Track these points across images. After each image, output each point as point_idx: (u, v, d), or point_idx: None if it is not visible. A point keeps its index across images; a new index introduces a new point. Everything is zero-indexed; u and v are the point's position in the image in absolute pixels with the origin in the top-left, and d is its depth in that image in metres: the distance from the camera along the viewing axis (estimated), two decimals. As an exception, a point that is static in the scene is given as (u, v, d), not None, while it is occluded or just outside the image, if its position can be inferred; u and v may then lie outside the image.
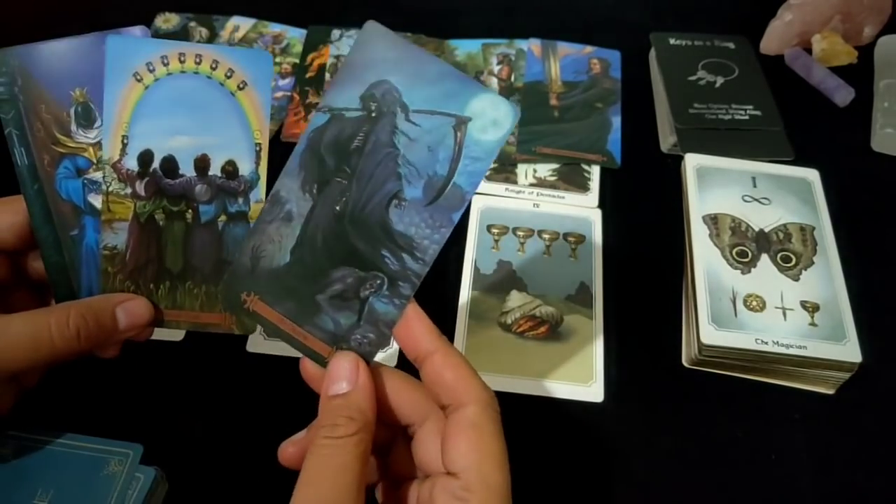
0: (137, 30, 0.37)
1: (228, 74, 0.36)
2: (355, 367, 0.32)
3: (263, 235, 0.34)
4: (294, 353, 0.46)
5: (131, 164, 0.37)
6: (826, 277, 0.49)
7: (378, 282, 0.33)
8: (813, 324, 0.46)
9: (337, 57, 0.64)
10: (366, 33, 0.33)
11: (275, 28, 0.67)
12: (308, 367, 0.34)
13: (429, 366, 0.32)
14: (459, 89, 0.32)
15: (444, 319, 0.49)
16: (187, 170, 0.37)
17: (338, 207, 0.33)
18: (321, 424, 0.31)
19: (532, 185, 0.57)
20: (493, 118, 0.31)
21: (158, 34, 0.66)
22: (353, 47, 0.33)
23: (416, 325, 0.32)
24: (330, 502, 0.28)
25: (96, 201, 0.38)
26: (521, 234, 0.53)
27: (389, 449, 0.35)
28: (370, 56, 0.33)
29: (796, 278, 0.49)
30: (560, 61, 0.65)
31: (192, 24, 0.67)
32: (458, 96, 0.32)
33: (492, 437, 0.30)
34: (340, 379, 0.32)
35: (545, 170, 0.58)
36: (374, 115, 0.33)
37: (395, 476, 0.34)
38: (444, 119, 0.32)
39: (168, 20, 0.67)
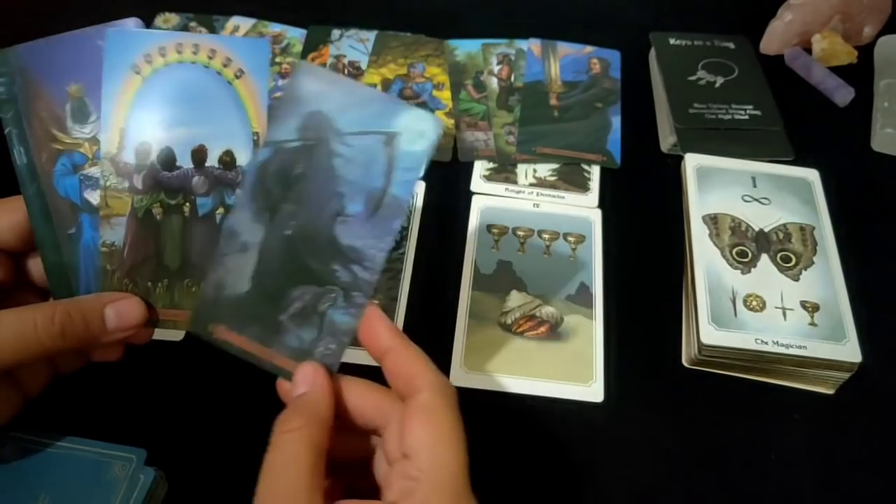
0: (130, 22, 0.37)
1: (226, 63, 0.36)
2: (313, 372, 0.34)
3: (223, 268, 0.36)
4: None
5: (129, 157, 0.37)
6: (826, 277, 0.49)
7: (333, 295, 0.35)
8: (813, 324, 0.46)
9: (337, 57, 0.64)
10: (297, 72, 0.35)
11: (275, 28, 0.67)
12: (283, 386, 0.36)
13: (388, 361, 0.33)
14: (385, 109, 0.35)
15: (444, 319, 0.49)
16: (185, 162, 0.37)
17: (288, 231, 0.35)
18: (277, 423, 0.32)
19: (532, 185, 0.57)
20: (419, 131, 0.34)
21: (158, 34, 0.66)
22: (287, 85, 0.36)
23: (375, 325, 0.34)
24: (285, 493, 0.30)
25: (92, 198, 0.38)
26: (521, 234, 0.53)
27: (369, 461, 0.35)
28: (302, 91, 0.35)
29: (796, 278, 0.49)
30: (560, 61, 0.65)
31: (193, 24, 0.67)
32: (385, 115, 0.34)
33: (444, 419, 0.31)
34: (301, 384, 0.34)
35: (545, 170, 0.58)
36: (311, 143, 0.35)
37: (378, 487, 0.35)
38: (374, 137, 0.34)
39: (168, 20, 0.67)
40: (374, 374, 0.47)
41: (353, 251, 0.35)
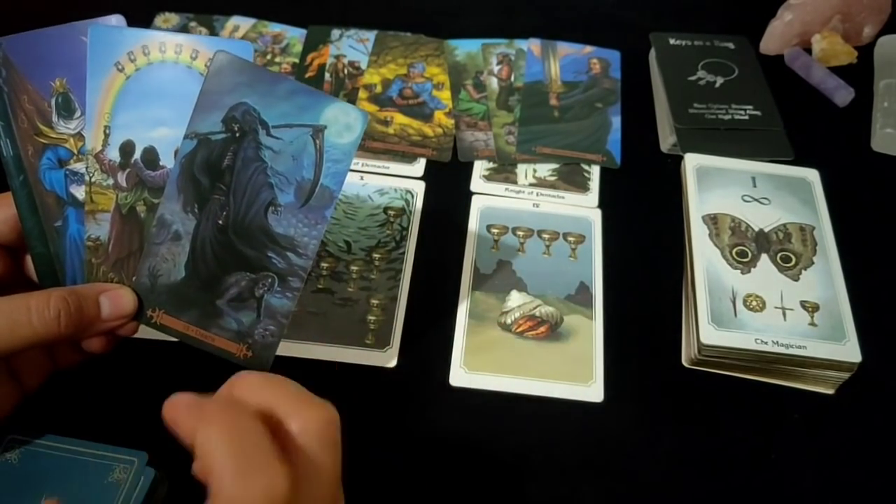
0: (113, 18, 0.37)
1: (209, 64, 0.36)
2: None
3: (157, 257, 0.37)
4: (298, 353, 0.47)
5: (113, 154, 0.37)
6: (826, 277, 0.49)
7: (269, 280, 0.37)
8: (813, 324, 0.46)
9: (337, 57, 0.64)
10: (217, 63, 0.36)
11: (275, 28, 0.67)
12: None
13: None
14: (311, 102, 0.35)
15: (444, 319, 0.49)
16: (168, 161, 0.37)
17: (220, 221, 0.37)
18: None
19: (532, 185, 0.57)
20: (345, 123, 0.35)
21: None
22: (206, 77, 0.36)
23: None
24: None
25: (78, 192, 0.38)
26: (521, 234, 0.53)
27: None
28: (224, 82, 0.36)
29: (796, 278, 0.49)
30: (560, 61, 0.65)
31: (193, 24, 0.67)
32: (311, 108, 0.35)
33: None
34: None
35: (545, 170, 0.58)
36: (237, 134, 0.36)
37: None
38: (302, 130, 0.36)
39: (168, 20, 0.67)
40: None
41: (287, 239, 0.37)
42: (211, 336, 0.38)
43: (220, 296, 0.37)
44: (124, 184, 0.38)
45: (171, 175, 0.37)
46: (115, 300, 0.37)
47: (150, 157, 0.37)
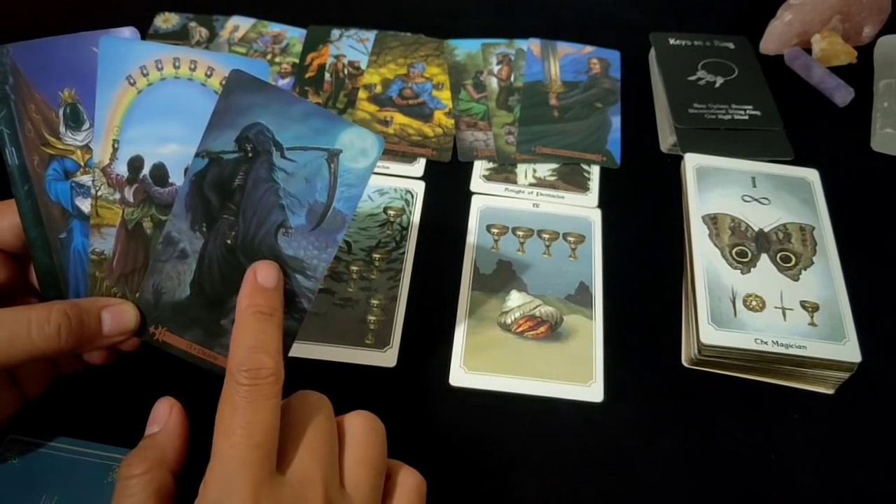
0: (127, 31, 0.36)
1: (224, 82, 0.36)
2: (167, 411, 0.35)
3: (161, 274, 0.37)
4: (298, 353, 0.47)
5: (121, 169, 0.37)
6: (826, 277, 0.49)
7: None
8: (812, 323, 0.46)
9: (337, 57, 0.64)
10: (232, 82, 0.35)
11: (275, 28, 0.67)
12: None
13: None
14: (326, 125, 0.35)
15: (444, 319, 0.49)
16: (177, 178, 0.37)
17: (229, 241, 0.36)
18: (122, 465, 0.32)
19: (532, 185, 0.57)
20: (361, 148, 0.35)
21: (158, 34, 0.66)
22: (221, 95, 0.35)
23: None
24: None
25: (83, 205, 0.37)
26: (520, 233, 0.53)
27: None
28: (239, 102, 0.35)
29: (796, 278, 0.49)
30: (560, 61, 0.65)
31: (192, 24, 0.67)
32: (327, 132, 0.35)
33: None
34: (154, 422, 0.35)
35: (545, 170, 0.58)
36: (250, 155, 0.35)
37: None
38: (317, 153, 0.35)
39: (168, 20, 0.67)
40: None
41: (296, 261, 0.36)
42: (213, 355, 0.37)
43: (225, 315, 0.37)
44: (131, 199, 0.37)
45: (179, 193, 0.36)
46: (117, 316, 0.36)
47: (160, 173, 0.37)
